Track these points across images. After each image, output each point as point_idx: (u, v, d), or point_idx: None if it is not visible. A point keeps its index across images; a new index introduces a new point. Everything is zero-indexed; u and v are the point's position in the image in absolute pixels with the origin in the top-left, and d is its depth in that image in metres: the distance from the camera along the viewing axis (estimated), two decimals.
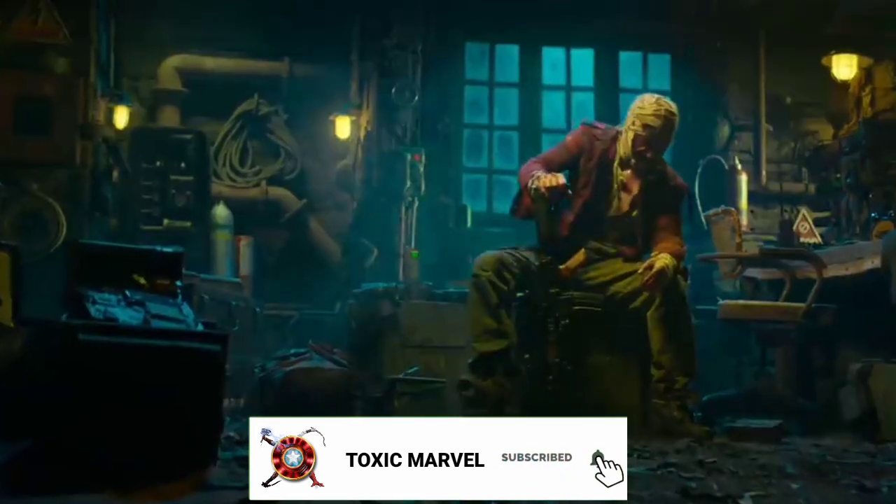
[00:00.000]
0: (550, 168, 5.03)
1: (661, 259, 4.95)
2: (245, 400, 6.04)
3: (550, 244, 4.96)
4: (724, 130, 9.77)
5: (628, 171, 5.18)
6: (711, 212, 6.48)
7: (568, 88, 10.03)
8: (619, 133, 5.21)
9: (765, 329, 6.11)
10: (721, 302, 6.23)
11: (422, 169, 8.55)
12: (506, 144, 9.94)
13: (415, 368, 5.57)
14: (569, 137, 5.25)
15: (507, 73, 9.99)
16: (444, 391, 5.52)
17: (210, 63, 9.44)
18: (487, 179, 9.91)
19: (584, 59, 10.07)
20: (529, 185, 4.97)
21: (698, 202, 8.34)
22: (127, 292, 3.60)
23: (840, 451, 4.59)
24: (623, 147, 5.15)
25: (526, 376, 4.91)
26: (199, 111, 9.44)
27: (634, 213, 5.16)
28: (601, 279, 5.16)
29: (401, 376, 5.50)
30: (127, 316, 3.52)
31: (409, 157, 8.56)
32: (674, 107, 5.14)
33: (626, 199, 5.18)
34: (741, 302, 6.21)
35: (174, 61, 9.38)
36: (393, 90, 8.90)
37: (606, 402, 5.09)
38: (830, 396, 5.91)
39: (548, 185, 4.86)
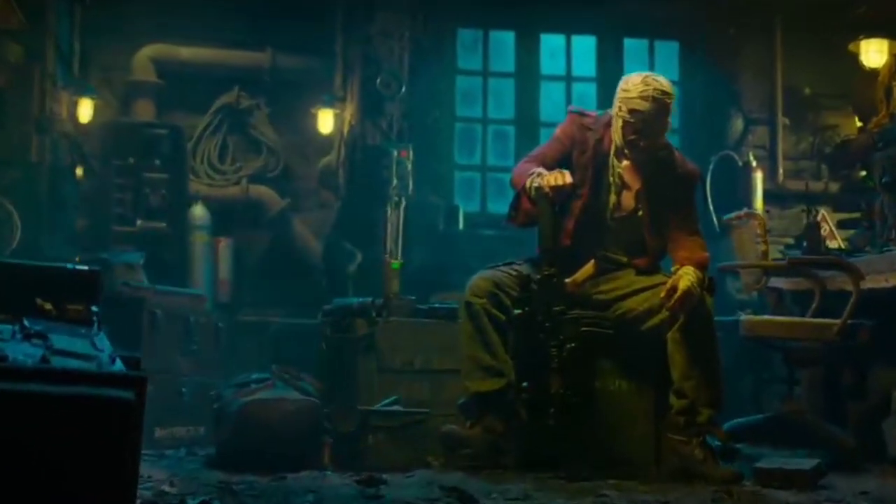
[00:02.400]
0: (546, 166, 4.48)
1: (685, 277, 4.37)
2: (205, 429, 5.38)
3: (554, 253, 4.43)
4: (738, 124, 9.33)
5: (626, 163, 4.61)
6: (733, 215, 5.89)
7: (568, 78, 9.57)
8: (612, 119, 4.64)
9: (793, 348, 5.55)
10: (743, 317, 5.65)
11: (409, 166, 8.10)
12: (501, 139, 9.50)
13: (393, 398, 4.89)
14: (558, 129, 4.71)
15: (502, 62, 9.54)
16: (427, 424, 4.86)
17: (187, 53, 9.08)
18: (481, 177, 9.44)
19: (585, 47, 9.61)
20: (528, 185, 4.41)
21: (710, 202, 8.00)
22: (26, 321, 2.94)
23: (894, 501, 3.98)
24: (616, 136, 4.58)
25: (524, 411, 4.37)
26: (176, 104, 9.08)
27: (640, 212, 4.59)
28: (613, 294, 4.59)
29: (376, 407, 4.80)
30: (21, 352, 2.85)
31: (395, 153, 8.09)
32: (665, 84, 4.51)
33: (628, 197, 4.62)
34: (767, 318, 5.59)
35: (149, 51, 9.00)
36: (378, 81, 8.45)
37: (615, 439, 4.57)
38: (864, 421, 5.50)
39: (552, 183, 4.33)
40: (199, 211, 8.76)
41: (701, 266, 4.50)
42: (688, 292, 4.34)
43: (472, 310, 4.40)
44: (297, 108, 9.07)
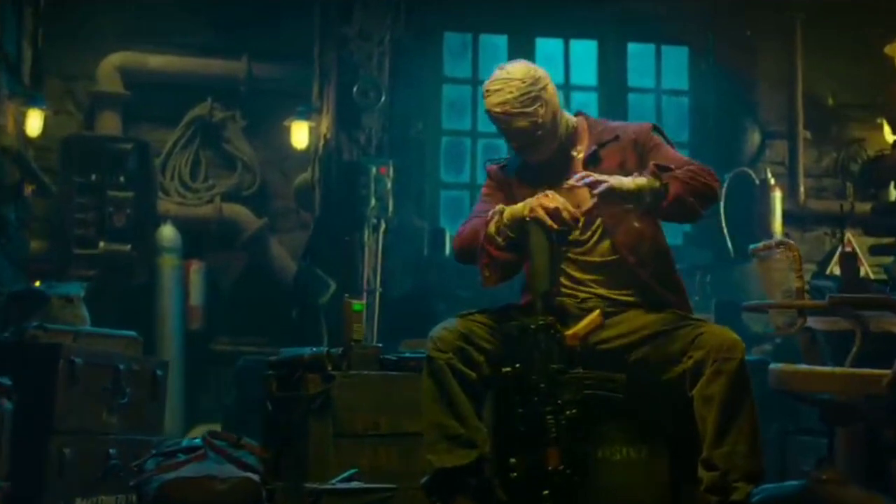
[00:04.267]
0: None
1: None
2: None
3: (551, 298, 3.71)
4: (754, 138, 9.08)
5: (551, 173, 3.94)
6: (761, 245, 5.17)
7: (566, 87, 9.21)
8: None
9: (832, 403, 4.76)
10: (772, 366, 4.83)
11: (389, 184, 7.80)
12: (492, 154, 9.04)
13: (352, 471, 4.13)
14: (483, 188, 4.13)
15: (493, 69, 8.86)
16: (394, 502, 4.08)
17: (156, 62, 8.92)
18: (470, 196, 9.04)
19: (585, 52, 9.36)
20: (508, 217, 3.74)
21: (724, 225, 8.12)
22: None
23: None
24: None
25: (503, 491, 3.66)
26: (144, 117, 8.95)
27: (590, 202, 3.83)
28: (617, 343, 3.82)
29: (330, 483, 4.02)
30: None
31: (373, 169, 7.75)
32: (509, 70, 3.89)
33: (582, 203, 3.90)
34: (803, 368, 4.79)
35: (115, 60, 8.81)
36: (354, 89, 8.01)
37: None
38: None
39: (551, 206, 3.66)
40: (168, 232, 8.56)
41: (659, 172, 3.68)
42: (608, 186, 3.59)
43: (434, 367, 3.70)
44: (275, 120, 8.86)
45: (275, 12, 8.59)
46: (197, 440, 4.26)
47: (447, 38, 9.13)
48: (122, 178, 8.26)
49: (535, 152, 3.87)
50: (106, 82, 8.75)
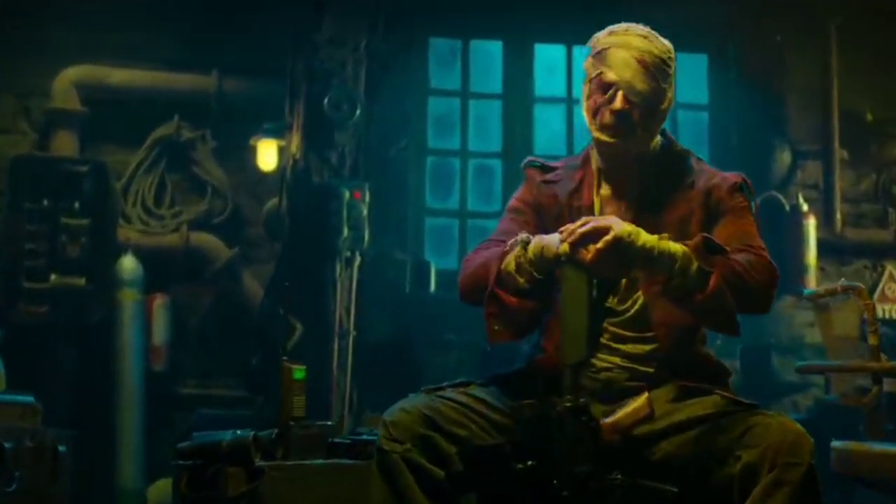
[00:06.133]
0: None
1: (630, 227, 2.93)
2: None
3: (581, 369, 2.97)
4: (783, 158, 8.57)
5: (608, 193, 3.21)
6: (821, 289, 4.44)
7: (569, 100, 8.73)
8: (589, 152, 3.33)
9: None
10: (836, 444, 4.08)
11: (365, 211, 7.29)
12: (484, 177, 8.72)
13: None
14: (513, 199, 3.47)
15: (486, 80, 8.79)
16: None
17: (119, 76, 8.47)
18: (459, 225, 8.57)
19: None
20: (532, 254, 2.99)
21: None
22: None
23: None
24: (594, 133, 3.19)
25: None
26: (104, 136, 8.49)
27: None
28: (642, 429, 3.03)
29: None
30: None
31: (346, 194, 7.26)
32: (646, 30, 3.41)
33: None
34: (876, 449, 4.05)
35: (72, 74, 8.38)
36: (325, 101, 7.46)
37: None
38: None
39: (584, 231, 2.90)
40: (128, 263, 8.10)
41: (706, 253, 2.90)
42: (614, 239, 2.87)
43: (387, 461, 2.96)
44: (248, 140, 8.43)
45: (247, 24, 8.20)
46: None
47: (433, 44, 8.68)
48: (76, 204, 7.84)
49: (625, 139, 3.11)
50: (62, 98, 8.31)
